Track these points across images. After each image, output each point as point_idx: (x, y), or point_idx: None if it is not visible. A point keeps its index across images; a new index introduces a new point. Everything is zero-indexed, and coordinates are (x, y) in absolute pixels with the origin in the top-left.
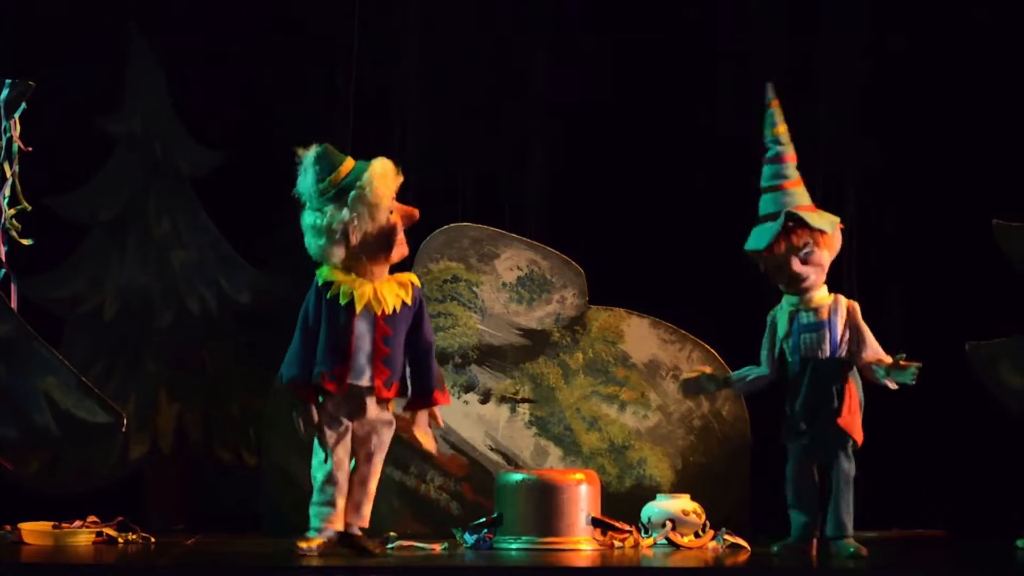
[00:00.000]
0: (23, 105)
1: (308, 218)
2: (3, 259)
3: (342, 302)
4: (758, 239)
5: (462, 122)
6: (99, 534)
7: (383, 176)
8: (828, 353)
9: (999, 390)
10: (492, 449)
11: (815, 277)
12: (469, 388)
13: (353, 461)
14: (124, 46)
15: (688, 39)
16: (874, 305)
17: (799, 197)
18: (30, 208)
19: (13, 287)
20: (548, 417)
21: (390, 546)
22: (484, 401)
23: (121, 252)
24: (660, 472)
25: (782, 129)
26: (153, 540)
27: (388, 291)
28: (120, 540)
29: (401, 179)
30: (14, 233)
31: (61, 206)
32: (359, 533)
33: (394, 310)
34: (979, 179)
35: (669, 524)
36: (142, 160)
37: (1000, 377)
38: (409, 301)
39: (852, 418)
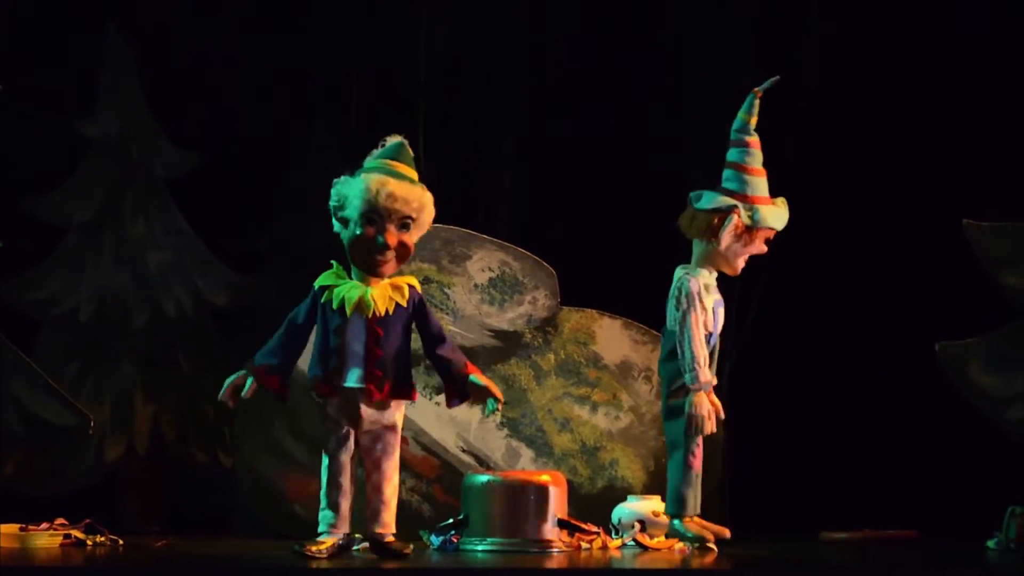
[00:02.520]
0: None
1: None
2: None
3: (334, 306)
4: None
5: (432, 123)
6: (67, 536)
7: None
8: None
9: (969, 390)
10: (464, 451)
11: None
12: (440, 390)
13: (363, 469)
14: (100, 48)
15: (655, 40)
16: (845, 306)
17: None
18: None
19: None
20: (520, 419)
21: (355, 548)
22: None
23: (97, 254)
24: (632, 473)
25: (753, 121)
26: (121, 542)
27: (380, 294)
28: (88, 542)
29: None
30: None
31: (37, 208)
32: (389, 539)
33: (386, 312)
34: (950, 179)
35: (638, 525)
36: (118, 162)
37: (970, 377)
38: (404, 303)
39: None
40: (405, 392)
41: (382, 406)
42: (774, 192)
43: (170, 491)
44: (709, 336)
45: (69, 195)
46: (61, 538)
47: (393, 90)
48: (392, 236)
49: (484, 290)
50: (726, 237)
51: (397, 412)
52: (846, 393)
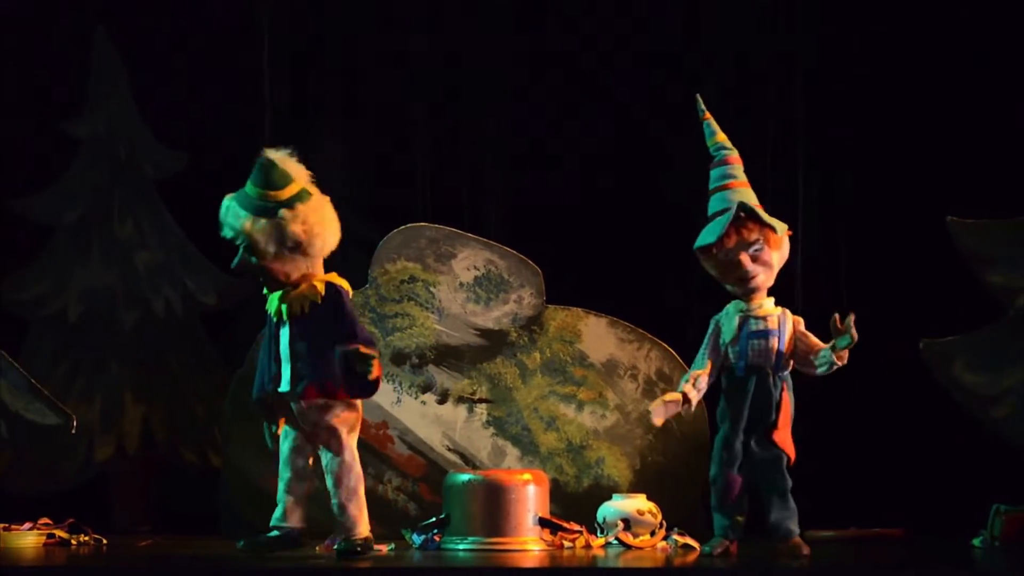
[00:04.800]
0: None
1: None
2: None
3: (272, 315)
4: (708, 234)
5: (420, 121)
6: (50, 536)
7: None
8: (774, 362)
9: (953, 388)
10: (450, 449)
11: (763, 277)
12: (426, 388)
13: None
14: (88, 49)
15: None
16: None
17: (747, 196)
18: None
19: None
20: (506, 417)
21: (336, 546)
22: (441, 401)
23: (85, 254)
24: (618, 472)
25: (721, 137)
26: (105, 542)
27: (294, 297)
28: (72, 542)
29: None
30: None
31: (25, 208)
32: (354, 538)
33: (301, 310)
34: (934, 175)
35: (621, 524)
36: (106, 162)
37: (954, 375)
38: (319, 301)
39: (786, 433)
40: (329, 391)
41: (313, 408)
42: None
43: (160, 491)
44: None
45: (57, 196)
46: (45, 538)
47: (383, 89)
48: (249, 262)
49: (470, 288)
50: (710, 269)
51: (333, 413)
52: (831, 390)
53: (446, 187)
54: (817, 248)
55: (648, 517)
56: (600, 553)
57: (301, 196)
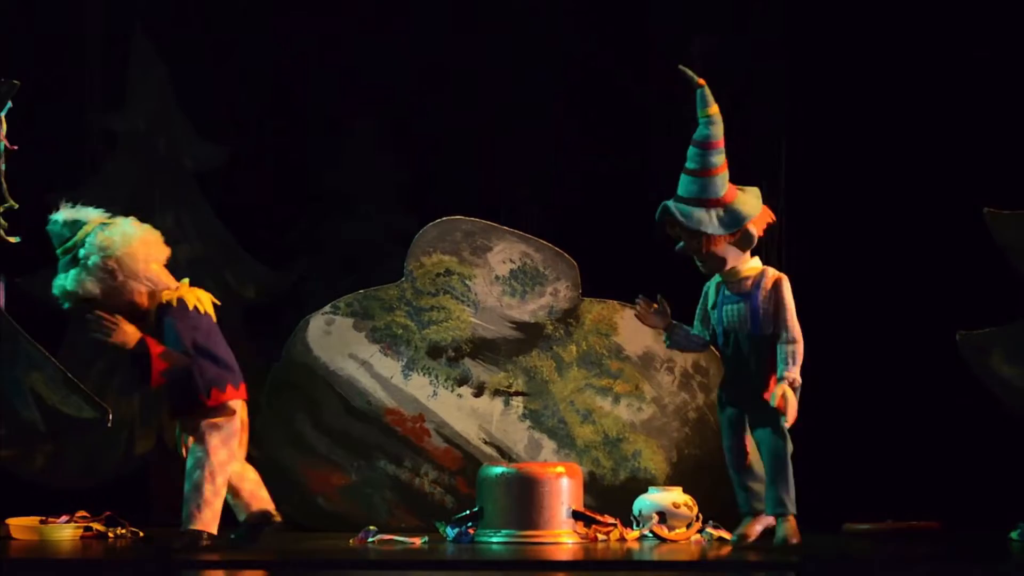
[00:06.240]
0: (8, 104)
1: None
2: None
3: None
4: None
5: (455, 116)
6: (87, 529)
7: None
8: (750, 327)
9: (990, 380)
10: (486, 442)
11: (715, 263)
12: (463, 381)
13: None
14: (127, 42)
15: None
16: (865, 296)
17: (719, 185)
18: (16, 206)
19: (1, 284)
20: (542, 410)
21: (370, 539)
22: (478, 394)
23: None
24: (655, 465)
25: (715, 109)
26: (142, 534)
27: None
28: (109, 535)
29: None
30: (1, 232)
31: (65, 202)
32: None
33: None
34: (971, 166)
35: (655, 517)
36: (146, 156)
37: (991, 367)
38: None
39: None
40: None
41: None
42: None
43: None
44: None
45: (98, 190)
46: (82, 531)
47: (421, 81)
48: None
49: (505, 282)
50: None
51: (203, 413)
52: (868, 384)
53: (482, 179)
54: (852, 239)
55: (684, 510)
56: (635, 546)
57: (98, 229)
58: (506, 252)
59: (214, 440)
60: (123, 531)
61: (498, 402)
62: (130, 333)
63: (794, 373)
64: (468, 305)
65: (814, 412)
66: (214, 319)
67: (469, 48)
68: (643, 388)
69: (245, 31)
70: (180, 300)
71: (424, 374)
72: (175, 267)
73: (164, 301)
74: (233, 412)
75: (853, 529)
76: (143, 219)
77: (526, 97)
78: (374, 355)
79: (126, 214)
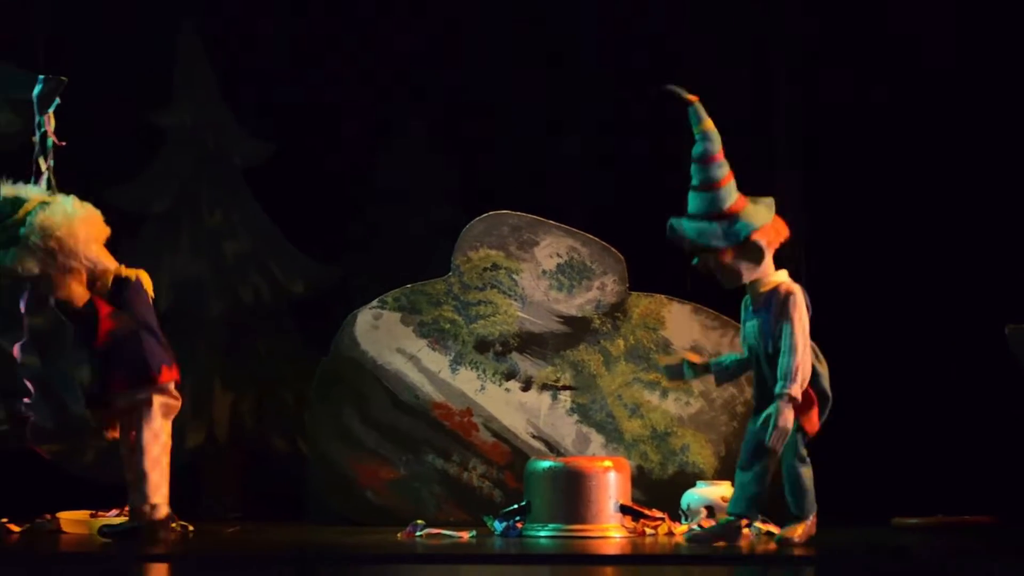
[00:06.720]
0: (56, 100)
1: None
2: None
3: None
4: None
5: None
6: None
7: None
8: (764, 344)
9: None
10: (534, 437)
11: (739, 276)
12: (510, 376)
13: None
14: (174, 39)
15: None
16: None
17: (724, 198)
18: None
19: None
20: (590, 404)
21: (418, 534)
22: (525, 389)
23: (174, 243)
24: (703, 459)
25: (709, 124)
26: (191, 528)
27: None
28: None
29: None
30: None
31: (114, 198)
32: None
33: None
34: (1017, 158)
35: (704, 511)
36: (194, 152)
37: None
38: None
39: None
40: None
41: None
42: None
43: (249, 478)
44: None
45: (146, 185)
46: None
47: (469, 77)
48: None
49: (552, 276)
50: None
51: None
52: (918, 378)
53: (532, 174)
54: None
55: None
56: (682, 540)
57: (39, 208)
58: (553, 246)
59: (162, 418)
60: (173, 525)
61: (546, 396)
62: (78, 292)
63: (792, 390)
64: (515, 299)
65: (864, 407)
66: None
67: (516, 46)
68: (691, 382)
69: (293, 28)
70: (138, 278)
71: (472, 368)
72: (223, 262)
73: (123, 276)
74: (177, 395)
75: (902, 523)
76: (192, 215)
77: (573, 94)
78: (422, 349)
79: (175, 209)
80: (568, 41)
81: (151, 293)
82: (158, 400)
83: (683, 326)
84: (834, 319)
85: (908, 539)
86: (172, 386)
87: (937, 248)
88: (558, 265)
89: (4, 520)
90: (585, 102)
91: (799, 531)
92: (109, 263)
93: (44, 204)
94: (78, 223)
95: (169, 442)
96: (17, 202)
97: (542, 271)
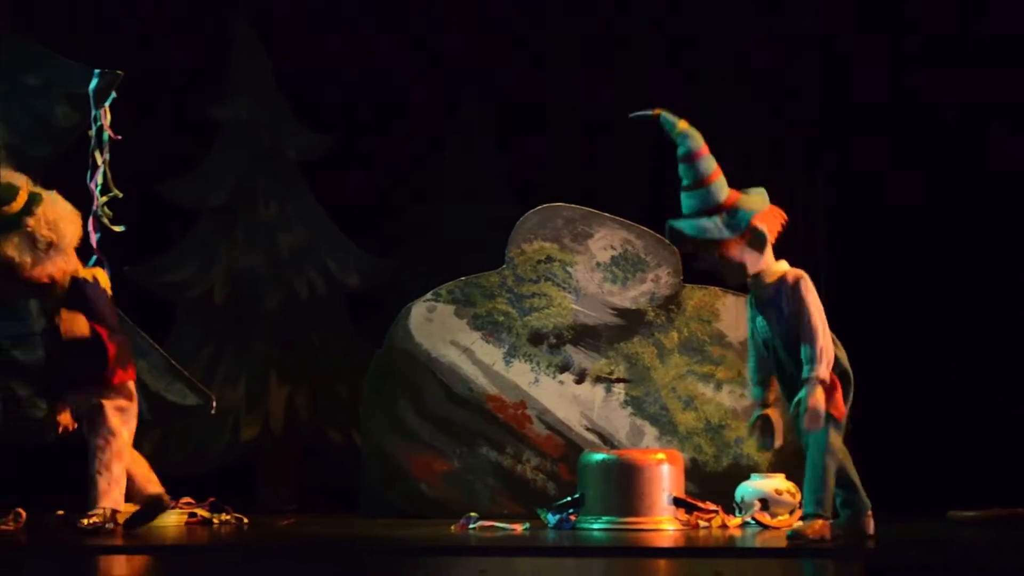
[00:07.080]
0: (112, 94)
1: None
2: (95, 246)
3: None
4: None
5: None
6: (192, 515)
7: None
8: (780, 333)
9: None
10: (588, 429)
11: (744, 270)
12: (564, 368)
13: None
14: (230, 33)
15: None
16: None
17: (716, 192)
18: (121, 195)
19: (107, 273)
20: (643, 397)
21: (472, 526)
22: (579, 381)
23: (230, 236)
24: (757, 452)
25: (684, 123)
26: (246, 521)
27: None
28: (214, 521)
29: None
30: (106, 220)
31: (171, 192)
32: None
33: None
34: None
35: (758, 504)
36: (250, 146)
37: None
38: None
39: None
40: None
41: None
42: None
43: (305, 470)
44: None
45: (202, 179)
46: (187, 516)
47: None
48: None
49: (607, 268)
50: None
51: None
52: (973, 371)
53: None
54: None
55: (787, 497)
56: (736, 533)
57: (34, 199)
58: (607, 239)
59: (116, 420)
60: (227, 517)
61: (600, 389)
62: (58, 279)
63: (819, 372)
64: (569, 292)
65: (918, 401)
66: None
67: (571, 40)
68: (745, 375)
69: (347, 20)
70: (95, 278)
71: (525, 361)
72: (278, 255)
73: (81, 277)
74: (132, 395)
75: (958, 517)
76: (248, 209)
77: (626, 85)
78: (476, 342)
79: (231, 203)
80: (626, 39)
81: (108, 291)
82: (110, 404)
83: (738, 318)
84: (888, 313)
85: (966, 533)
86: (128, 387)
87: (983, 238)
88: (612, 257)
89: (60, 512)
90: (638, 93)
91: (814, 528)
92: (77, 262)
93: (37, 195)
94: (72, 217)
95: (124, 445)
96: (11, 189)
97: (596, 263)
